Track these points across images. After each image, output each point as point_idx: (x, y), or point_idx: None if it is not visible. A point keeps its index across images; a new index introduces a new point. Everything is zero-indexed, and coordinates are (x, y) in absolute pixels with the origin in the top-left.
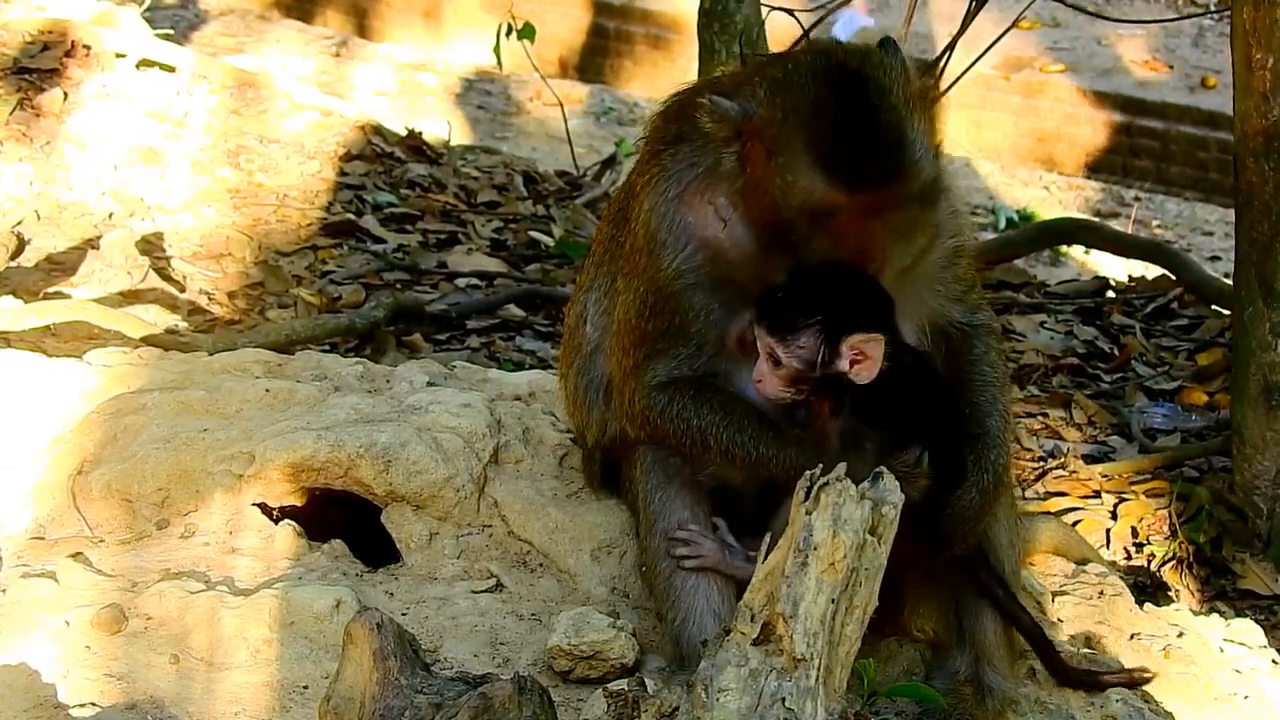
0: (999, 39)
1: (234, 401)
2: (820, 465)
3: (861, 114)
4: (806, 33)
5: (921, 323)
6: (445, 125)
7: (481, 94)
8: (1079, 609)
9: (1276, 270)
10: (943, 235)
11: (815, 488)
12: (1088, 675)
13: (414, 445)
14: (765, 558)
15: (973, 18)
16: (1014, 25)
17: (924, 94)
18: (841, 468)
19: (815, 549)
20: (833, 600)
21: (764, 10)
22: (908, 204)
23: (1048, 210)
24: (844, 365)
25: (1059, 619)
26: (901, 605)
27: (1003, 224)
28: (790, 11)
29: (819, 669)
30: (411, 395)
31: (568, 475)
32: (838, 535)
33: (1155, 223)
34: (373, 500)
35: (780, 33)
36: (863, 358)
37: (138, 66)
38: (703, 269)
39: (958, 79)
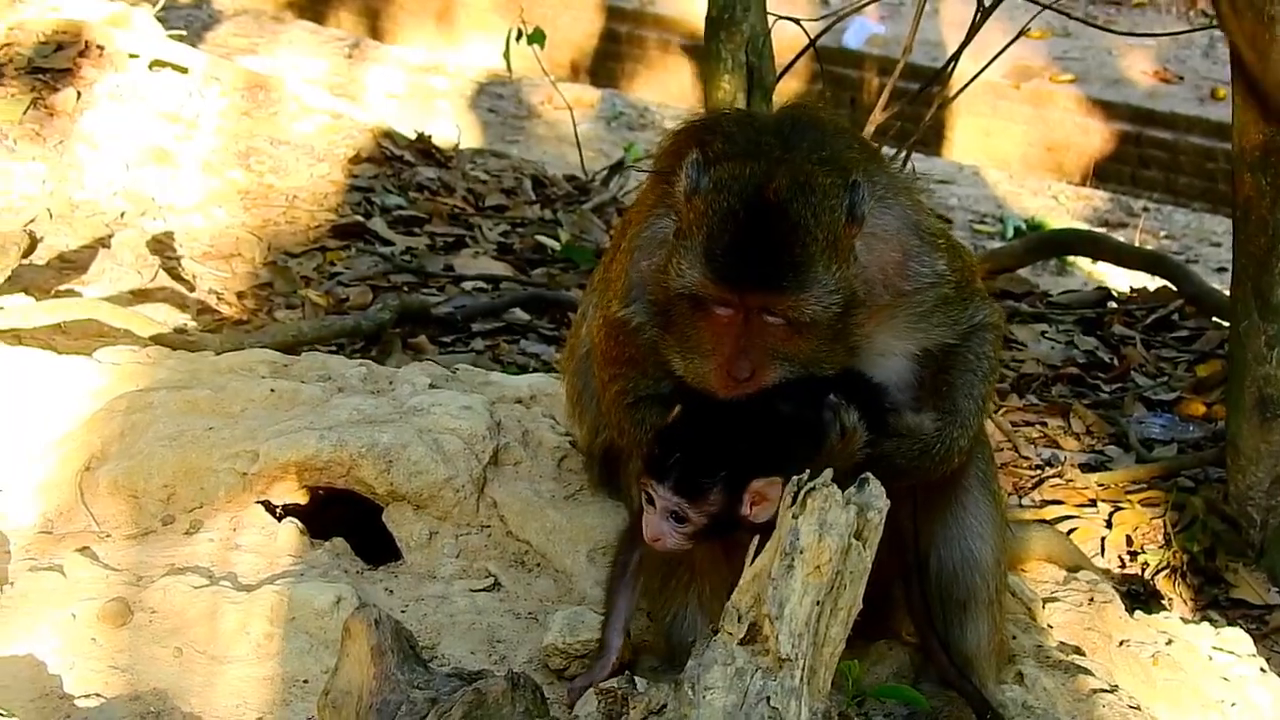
0: (1006, 48)
1: (239, 401)
2: (807, 471)
3: (760, 232)
4: (812, 42)
5: (914, 351)
6: (455, 128)
7: (493, 97)
8: (1069, 615)
9: (1273, 284)
10: (914, 304)
11: (802, 492)
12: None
13: (415, 446)
14: (753, 560)
15: (978, 27)
16: (1021, 34)
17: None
18: (828, 473)
19: (801, 552)
20: (818, 602)
21: (770, 19)
22: (795, 330)
23: (1056, 220)
24: (745, 510)
25: (1048, 624)
26: (891, 609)
27: (1010, 233)
28: (797, 20)
29: (804, 669)
30: (413, 397)
31: (566, 477)
32: (823, 539)
33: (1163, 233)
34: (374, 499)
35: (789, 40)
36: (762, 500)
37: (150, 67)
38: (639, 323)
39: (964, 87)
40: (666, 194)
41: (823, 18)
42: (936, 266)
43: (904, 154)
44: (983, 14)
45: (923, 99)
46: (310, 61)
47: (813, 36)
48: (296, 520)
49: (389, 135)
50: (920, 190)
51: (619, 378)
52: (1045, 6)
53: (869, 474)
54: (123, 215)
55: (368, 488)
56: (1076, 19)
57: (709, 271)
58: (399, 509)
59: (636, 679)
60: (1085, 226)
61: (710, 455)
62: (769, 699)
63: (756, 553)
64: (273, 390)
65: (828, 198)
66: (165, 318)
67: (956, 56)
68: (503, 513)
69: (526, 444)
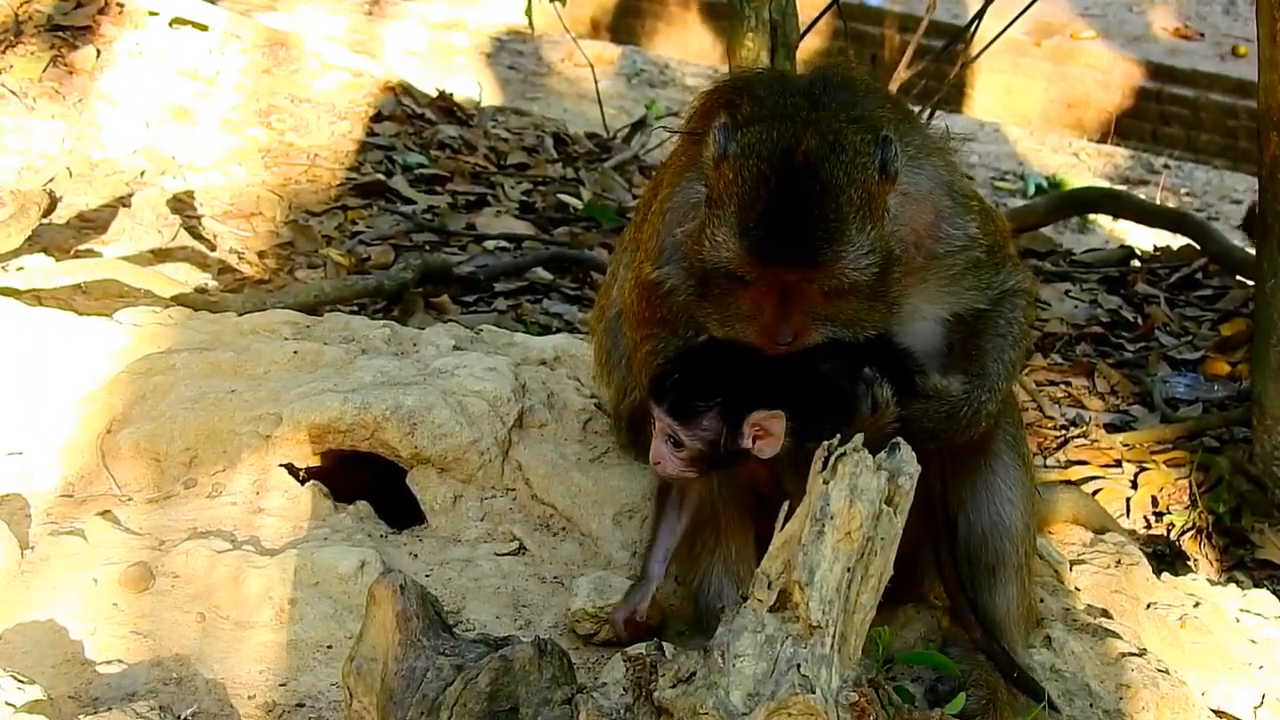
0: (1029, 6)
1: (262, 363)
2: (838, 436)
3: (793, 198)
4: (835, 0)
5: (945, 315)
6: (476, 85)
7: (513, 54)
8: (1096, 578)
9: None
10: (945, 266)
11: (832, 458)
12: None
13: (439, 408)
14: (782, 526)
15: None
16: None
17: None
18: (859, 438)
19: (832, 518)
20: (848, 569)
21: None
22: (834, 294)
23: (1077, 177)
24: (746, 443)
25: (1076, 587)
26: (920, 573)
27: (1031, 190)
28: None
29: (834, 636)
30: (438, 359)
31: (591, 440)
32: (854, 505)
33: (1184, 190)
34: (398, 462)
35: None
36: (764, 434)
37: (170, 25)
38: (673, 285)
39: (988, 45)
40: (697, 156)
41: None
42: (969, 229)
43: (928, 112)
44: None
45: (945, 57)
46: (329, 18)
47: None
48: (320, 483)
49: (410, 93)
50: (953, 151)
51: (650, 338)
52: None
53: (900, 439)
54: (143, 174)
55: (392, 451)
56: None
57: (744, 247)
58: (423, 472)
59: (665, 645)
60: (1106, 184)
61: (707, 381)
62: (799, 667)
63: (786, 518)
64: (295, 352)
65: (859, 155)
66: (186, 277)
67: (980, 15)
68: (528, 476)
69: (551, 406)
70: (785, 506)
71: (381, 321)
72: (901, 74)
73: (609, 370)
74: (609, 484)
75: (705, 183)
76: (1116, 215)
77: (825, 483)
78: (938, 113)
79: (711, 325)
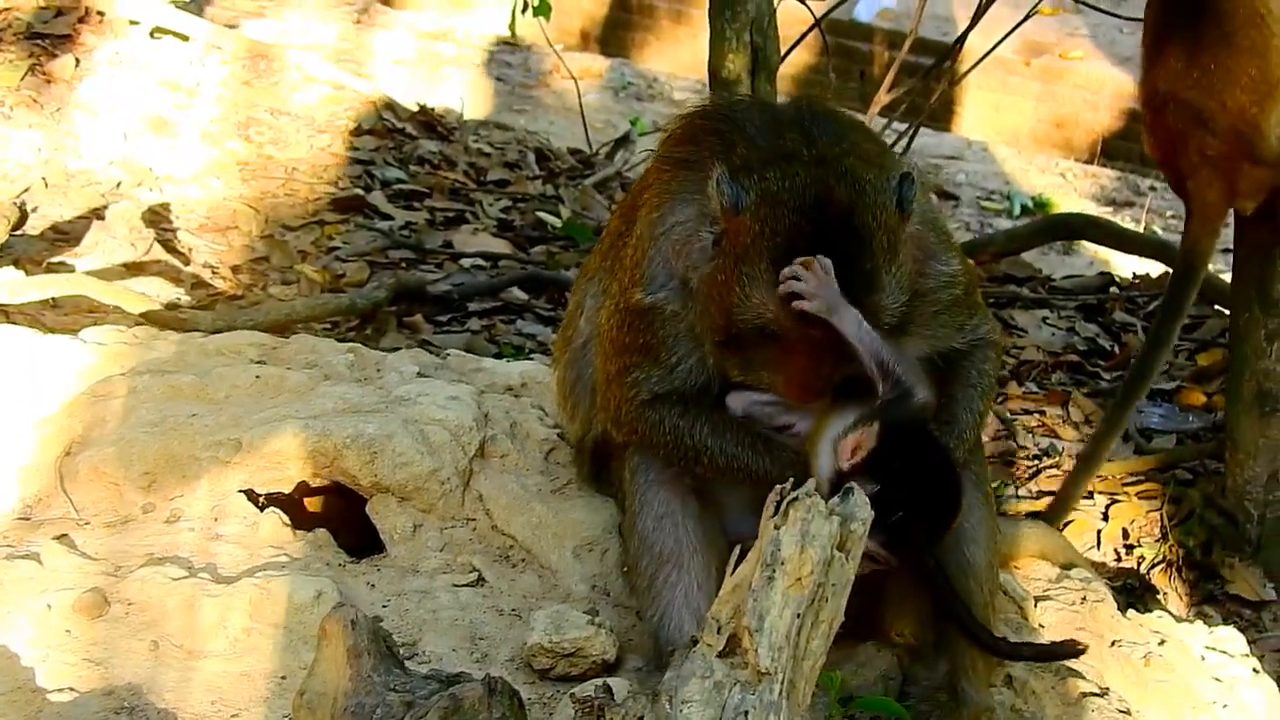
0: (1017, 26)
1: (224, 387)
2: (790, 480)
3: (828, 252)
4: (817, 22)
5: (924, 352)
6: (459, 100)
7: (501, 65)
8: (1060, 615)
9: (1274, 277)
10: (929, 303)
11: (784, 502)
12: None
13: (400, 437)
14: (733, 570)
15: (988, 5)
16: (1033, 12)
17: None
18: (811, 483)
19: (782, 564)
20: (798, 615)
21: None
22: None
23: (1063, 197)
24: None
25: (1040, 624)
26: (881, 610)
27: (1017, 210)
28: (803, 0)
29: (783, 683)
30: (400, 386)
31: (553, 471)
32: (805, 550)
33: (1169, 213)
34: (358, 490)
35: (798, 10)
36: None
37: (151, 34)
38: (673, 310)
39: (975, 64)
40: (689, 181)
41: None
42: (952, 265)
43: (912, 131)
44: None
45: (934, 75)
46: (318, 26)
47: (818, 16)
48: (279, 510)
49: (391, 107)
50: (930, 186)
51: (631, 368)
52: None
53: (853, 484)
54: (119, 185)
55: (352, 479)
56: (1083, 2)
57: (788, 308)
58: (383, 501)
59: (614, 686)
60: (1092, 205)
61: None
62: (747, 714)
63: (737, 563)
64: (258, 377)
65: (879, 194)
66: (159, 292)
67: (962, 39)
68: (488, 506)
69: (514, 436)
70: (736, 550)
71: (346, 345)
72: (883, 97)
73: (573, 403)
74: (570, 516)
75: (711, 224)
76: (1099, 242)
77: (776, 528)
78: (926, 130)
79: (734, 372)
